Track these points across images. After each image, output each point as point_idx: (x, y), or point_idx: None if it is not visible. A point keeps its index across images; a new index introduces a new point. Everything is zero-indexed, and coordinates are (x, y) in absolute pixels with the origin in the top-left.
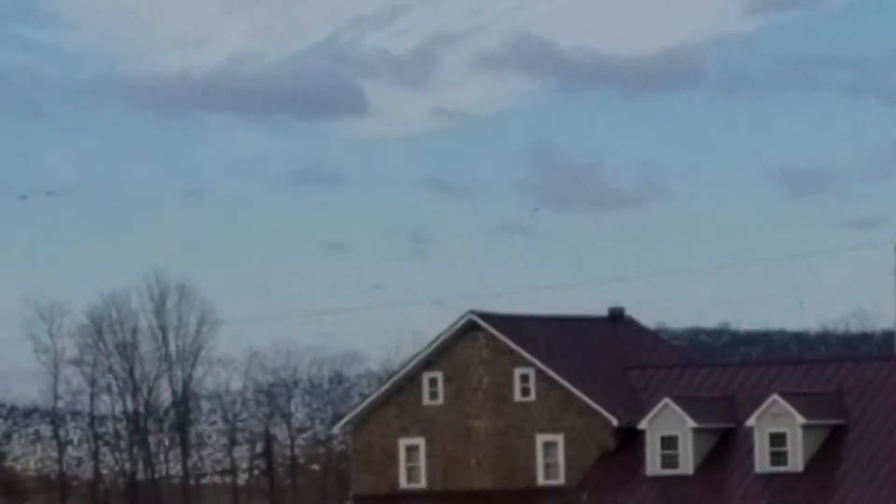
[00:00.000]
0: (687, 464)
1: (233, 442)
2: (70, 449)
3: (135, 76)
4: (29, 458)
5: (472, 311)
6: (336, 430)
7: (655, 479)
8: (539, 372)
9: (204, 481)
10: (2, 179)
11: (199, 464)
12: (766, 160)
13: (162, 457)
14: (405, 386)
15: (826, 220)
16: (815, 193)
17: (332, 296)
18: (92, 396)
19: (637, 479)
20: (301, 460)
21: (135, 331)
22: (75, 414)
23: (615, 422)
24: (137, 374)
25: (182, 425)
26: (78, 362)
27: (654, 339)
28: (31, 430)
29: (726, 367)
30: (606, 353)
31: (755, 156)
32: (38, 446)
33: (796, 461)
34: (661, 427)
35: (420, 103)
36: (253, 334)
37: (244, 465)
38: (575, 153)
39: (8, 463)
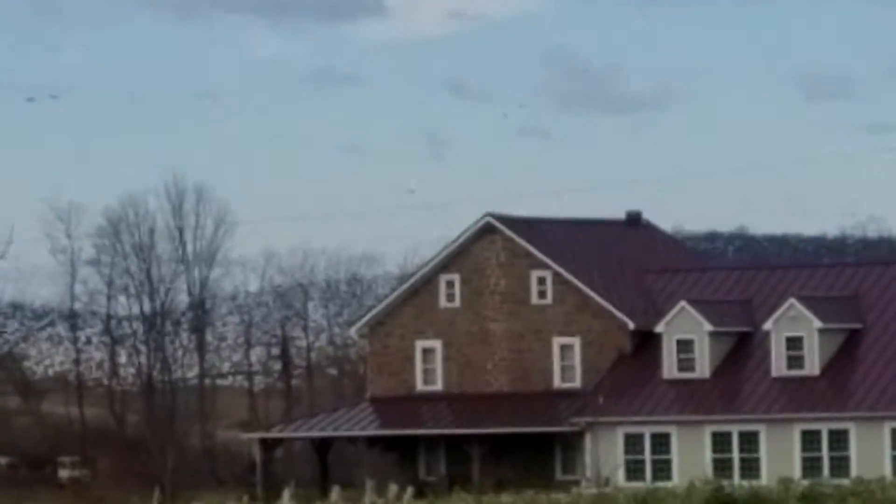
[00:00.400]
0: (703, 367)
1: (249, 343)
2: (86, 350)
3: None
4: (45, 359)
5: (489, 214)
6: (353, 332)
7: (672, 382)
8: (556, 275)
9: (220, 382)
10: (16, 78)
11: (216, 365)
12: (785, 64)
13: (178, 358)
14: (422, 288)
15: (844, 124)
16: (832, 98)
17: (350, 197)
18: (109, 297)
19: (653, 383)
20: (317, 362)
21: (152, 232)
22: (92, 315)
23: (632, 325)
24: (154, 275)
25: (198, 327)
26: (95, 263)
27: (671, 243)
28: (47, 331)
29: (743, 270)
30: (623, 257)
31: (773, 60)
32: (55, 347)
33: (812, 365)
34: (677, 330)
35: (438, 6)
36: (270, 235)
37: (260, 367)
38: (593, 57)
39: (24, 364)
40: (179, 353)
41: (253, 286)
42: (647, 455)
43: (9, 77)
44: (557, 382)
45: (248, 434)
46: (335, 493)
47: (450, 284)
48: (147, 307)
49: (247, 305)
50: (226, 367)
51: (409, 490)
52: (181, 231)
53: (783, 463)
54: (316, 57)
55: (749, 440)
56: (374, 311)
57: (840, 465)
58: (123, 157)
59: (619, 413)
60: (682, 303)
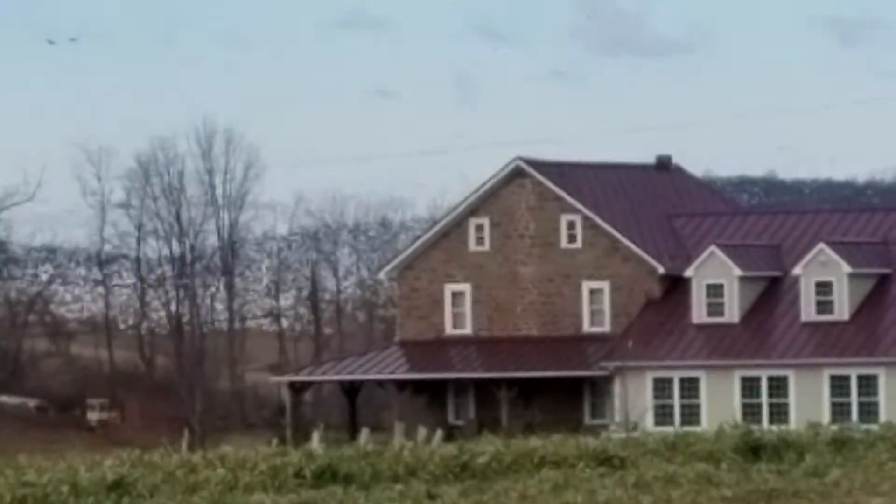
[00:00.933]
0: (732, 312)
1: (278, 287)
2: (116, 292)
3: None
4: (75, 301)
5: (519, 158)
6: (382, 275)
7: (701, 326)
8: (586, 219)
9: (249, 325)
10: (46, 21)
11: (245, 308)
12: (817, 7)
13: (207, 301)
14: (452, 232)
15: (876, 69)
16: (865, 43)
17: (379, 141)
18: (139, 240)
19: (682, 327)
20: (346, 306)
21: (181, 175)
22: (122, 257)
23: (661, 269)
24: (184, 218)
25: (228, 270)
26: (125, 206)
27: (700, 187)
28: (77, 274)
29: (773, 215)
30: (653, 201)
31: (806, 3)
32: (85, 290)
33: (842, 310)
34: (707, 275)
35: None
36: (299, 179)
37: (289, 311)
38: None
39: (54, 306)
40: (208, 296)
41: (282, 230)
42: (676, 400)
43: (39, 19)
44: (587, 326)
45: (278, 377)
46: (364, 435)
47: (479, 228)
48: (176, 250)
49: (276, 249)
50: (255, 309)
51: (439, 433)
52: (211, 174)
53: (812, 408)
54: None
55: (778, 385)
56: (403, 255)
57: (869, 411)
58: (153, 100)
59: (648, 357)
60: (712, 247)
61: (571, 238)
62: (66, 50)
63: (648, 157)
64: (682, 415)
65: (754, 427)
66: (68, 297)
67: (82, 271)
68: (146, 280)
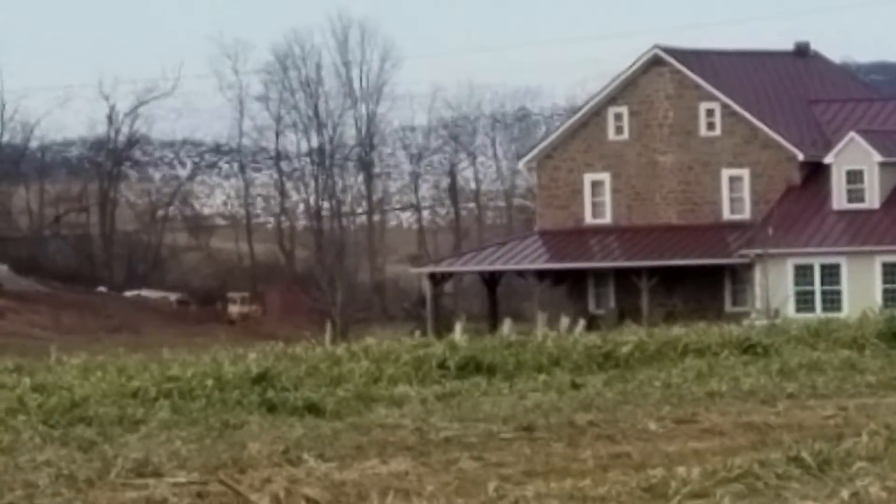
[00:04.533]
0: (873, 198)
1: (417, 177)
2: (255, 186)
3: None
4: (214, 195)
5: (657, 46)
6: (521, 165)
7: (841, 213)
8: (724, 106)
9: (388, 217)
10: None
11: (384, 200)
12: None
13: (347, 193)
14: (590, 121)
15: None
16: None
17: (515, 30)
18: (277, 133)
19: (822, 213)
20: (485, 196)
21: (318, 67)
22: (260, 150)
23: (801, 156)
24: (322, 110)
25: (366, 162)
26: (263, 99)
27: (840, 73)
28: (216, 168)
29: None
30: (792, 88)
31: None
32: (224, 183)
33: None
34: (846, 161)
35: None
36: (436, 70)
37: (428, 202)
38: None
39: (193, 200)
40: (348, 188)
41: (420, 121)
42: (817, 286)
43: None
44: (726, 214)
45: (418, 268)
46: (507, 325)
47: (618, 117)
48: (315, 143)
49: (414, 140)
50: (394, 201)
51: (581, 323)
52: (347, 66)
53: None
54: None
55: None
56: (542, 145)
57: None
58: None
59: (789, 244)
60: (852, 133)
61: (710, 126)
62: None
63: (787, 44)
64: (823, 301)
65: None
66: (207, 191)
67: (221, 165)
68: (285, 173)
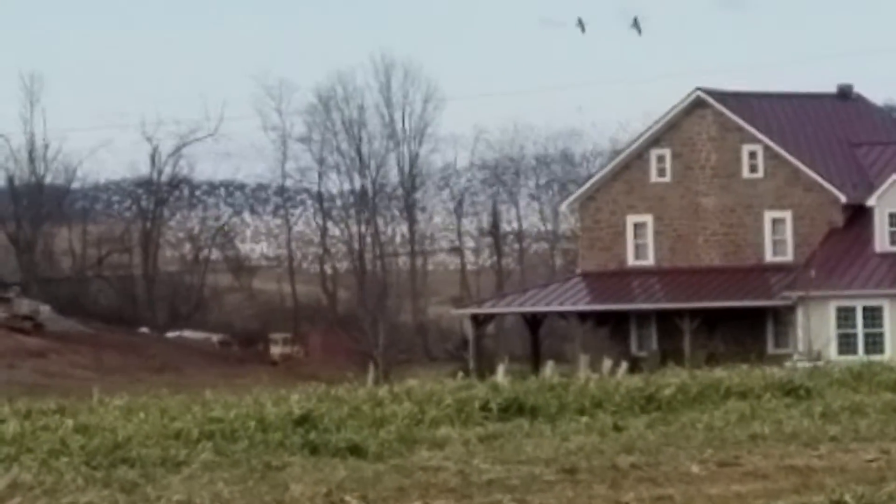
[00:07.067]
0: None
1: (459, 218)
2: (298, 227)
3: None
4: (257, 236)
5: (700, 88)
6: (564, 207)
7: (884, 255)
8: (767, 148)
9: (431, 258)
10: None
11: (427, 241)
12: None
13: (389, 235)
14: (633, 163)
15: None
16: None
17: (555, 73)
18: (320, 174)
19: (865, 256)
20: (528, 238)
21: (361, 108)
22: (303, 192)
23: (843, 198)
24: (364, 151)
25: (409, 204)
26: (306, 140)
27: (882, 116)
28: (259, 209)
29: None
30: (835, 130)
31: None
32: (267, 224)
33: None
34: (889, 203)
35: None
36: (479, 111)
37: (471, 244)
38: None
39: (236, 241)
40: (390, 229)
41: (463, 162)
42: (860, 328)
43: None
44: (769, 256)
45: (460, 310)
46: (549, 367)
47: (660, 159)
48: (357, 184)
49: (457, 181)
50: (437, 243)
51: (624, 365)
52: (390, 107)
53: None
54: None
55: None
56: (585, 187)
57: None
58: (331, 33)
59: (831, 287)
60: (894, 176)
61: (753, 168)
62: None
63: (829, 87)
64: (866, 344)
65: None
66: (250, 233)
67: (264, 206)
68: (328, 214)
